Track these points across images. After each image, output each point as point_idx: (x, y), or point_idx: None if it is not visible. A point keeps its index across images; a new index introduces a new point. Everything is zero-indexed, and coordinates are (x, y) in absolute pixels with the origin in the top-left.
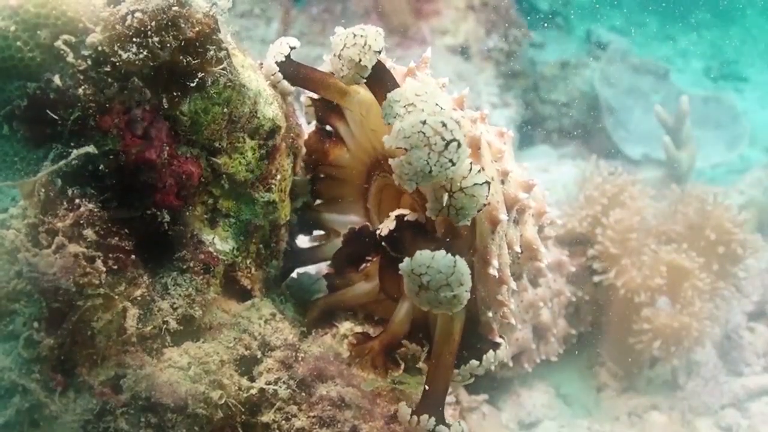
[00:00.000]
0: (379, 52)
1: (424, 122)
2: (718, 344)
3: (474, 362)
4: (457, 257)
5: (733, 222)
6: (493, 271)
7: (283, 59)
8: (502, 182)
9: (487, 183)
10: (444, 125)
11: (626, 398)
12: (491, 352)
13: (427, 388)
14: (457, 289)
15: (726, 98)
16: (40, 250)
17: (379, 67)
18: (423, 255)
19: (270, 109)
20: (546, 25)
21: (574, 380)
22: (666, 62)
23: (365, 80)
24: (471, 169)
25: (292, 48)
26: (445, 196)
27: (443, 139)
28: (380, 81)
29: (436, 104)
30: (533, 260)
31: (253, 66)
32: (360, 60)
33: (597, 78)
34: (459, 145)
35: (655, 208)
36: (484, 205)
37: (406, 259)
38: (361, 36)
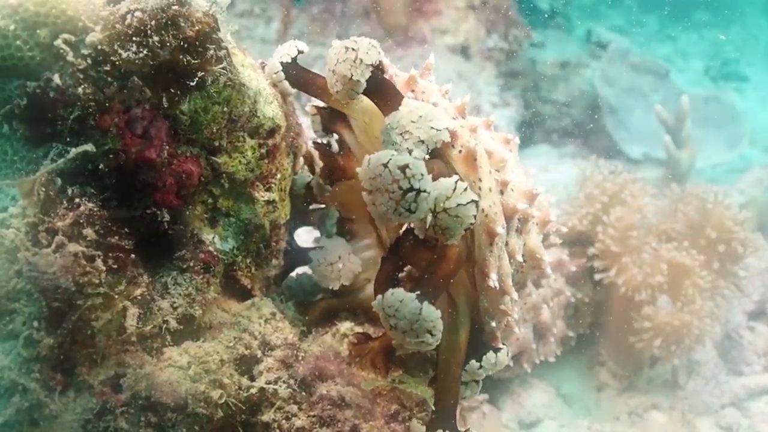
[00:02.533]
0: (372, 65)
1: (386, 164)
2: (718, 344)
3: (474, 363)
4: (425, 304)
5: (733, 220)
6: (491, 283)
7: (289, 60)
8: (502, 192)
9: (474, 202)
10: (403, 171)
11: (626, 398)
12: (491, 353)
13: (436, 403)
14: (422, 336)
15: (726, 98)
16: (39, 250)
17: (376, 79)
18: (394, 296)
19: (270, 108)
20: (548, 24)
21: (574, 380)
22: (666, 62)
23: (363, 93)
24: (455, 188)
25: (300, 52)
26: (429, 216)
27: (400, 188)
28: (379, 93)
29: (432, 128)
30: (536, 269)
31: (253, 65)
32: (352, 76)
33: (597, 77)
34: (417, 194)
35: (656, 207)
36: (471, 223)
37: (378, 297)
38: (353, 50)
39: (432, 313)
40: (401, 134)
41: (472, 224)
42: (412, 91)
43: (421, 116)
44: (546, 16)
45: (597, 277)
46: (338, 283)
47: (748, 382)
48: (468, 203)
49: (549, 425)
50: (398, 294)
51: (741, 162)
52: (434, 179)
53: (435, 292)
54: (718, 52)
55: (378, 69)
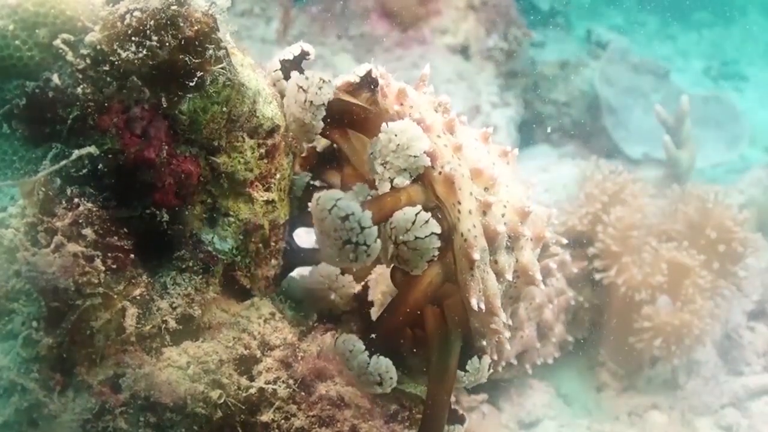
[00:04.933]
0: (324, 105)
1: (330, 210)
2: (718, 344)
3: (458, 372)
4: (373, 359)
5: (733, 220)
6: (474, 307)
7: (291, 58)
8: (485, 213)
9: (434, 234)
10: (343, 221)
11: (626, 398)
12: (475, 358)
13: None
14: (370, 388)
15: (726, 98)
16: (39, 250)
17: (343, 111)
18: (344, 344)
19: (269, 108)
20: (548, 24)
21: (574, 380)
22: (666, 62)
23: (338, 126)
24: (415, 221)
25: (306, 54)
26: (391, 248)
27: (340, 238)
28: (354, 123)
29: (410, 156)
30: (530, 284)
31: (253, 65)
32: (303, 119)
33: (597, 77)
34: (356, 247)
35: (656, 207)
36: (434, 255)
37: (331, 342)
38: (303, 90)
39: (380, 367)
40: (383, 164)
41: (435, 256)
42: (401, 105)
43: (399, 145)
44: (546, 16)
45: (597, 277)
46: (340, 310)
47: (748, 382)
48: (427, 236)
49: (549, 425)
50: (348, 342)
51: (741, 162)
52: (404, 206)
53: (390, 335)
54: (718, 52)
55: (368, 82)
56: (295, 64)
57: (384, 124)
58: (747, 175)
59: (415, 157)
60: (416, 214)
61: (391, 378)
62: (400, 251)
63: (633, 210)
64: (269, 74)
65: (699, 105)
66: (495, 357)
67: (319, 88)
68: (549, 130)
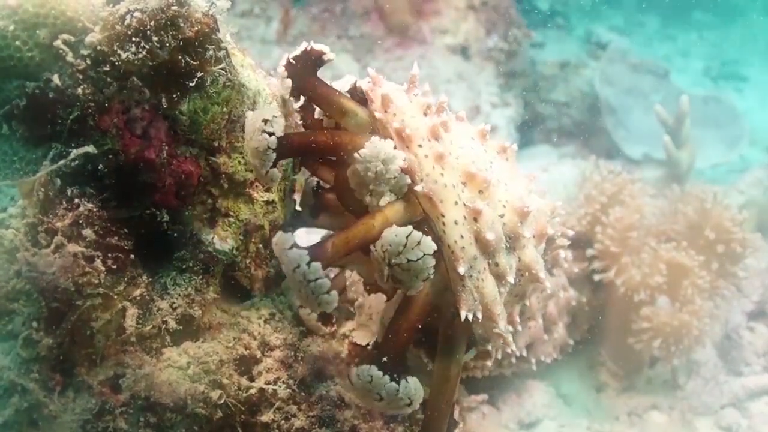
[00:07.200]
0: (270, 149)
1: (285, 257)
2: (718, 344)
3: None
4: (402, 383)
5: (732, 221)
6: (466, 316)
7: (295, 56)
8: (475, 220)
9: (426, 255)
10: (293, 271)
11: (626, 398)
12: (473, 350)
13: None
14: (402, 410)
15: (726, 98)
16: (39, 250)
17: (309, 147)
18: (360, 378)
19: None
20: (548, 24)
21: (574, 380)
22: (666, 62)
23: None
24: (407, 243)
25: (321, 54)
26: (386, 269)
27: (297, 285)
28: (327, 154)
29: (390, 178)
30: (535, 282)
31: (252, 65)
32: (256, 166)
33: (597, 78)
34: (307, 296)
35: (655, 207)
36: (430, 274)
37: (345, 382)
38: (244, 136)
39: (409, 390)
40: (369, 193)
41: (430, 275)
42: (385, 112)
43: (377, 171)
44: (546, 16)
45: (596, 277)
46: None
47: (747, 383)
48: (419, 259)
49: (549, 425)
50: (364, 374)
51: (741, 162)
52: (378, 231)
53: (399, 355)
54: (718, 52)
55: (355, 94)
56: (312, 68)
57: (356, 155)
58: (747, 175)
59: (395, 178)
60: (407, 236)
61: (420, 396)
62: (394, 272)
63: (632, 210)
64: (279, 75)
65: (699, 105)
66: (508, 351)
67: (261, 132)
68: (543, 130)
